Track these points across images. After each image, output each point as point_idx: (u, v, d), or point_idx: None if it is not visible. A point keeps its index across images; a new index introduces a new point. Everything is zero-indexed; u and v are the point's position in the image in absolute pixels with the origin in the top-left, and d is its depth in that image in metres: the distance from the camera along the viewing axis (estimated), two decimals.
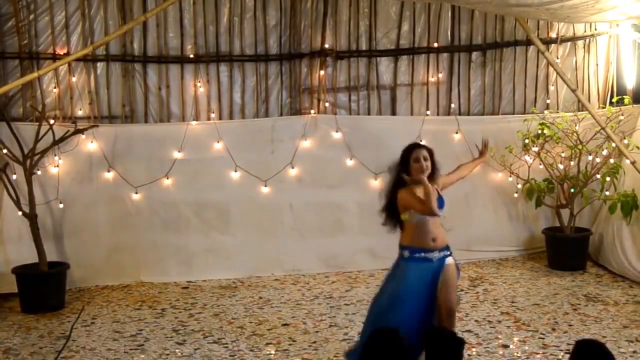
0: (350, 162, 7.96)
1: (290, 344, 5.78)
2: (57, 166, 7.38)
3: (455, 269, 4.80)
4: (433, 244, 4.71)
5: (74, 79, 7.62)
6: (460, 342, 3.60)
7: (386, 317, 4.63)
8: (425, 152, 4.78)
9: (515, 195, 8.17)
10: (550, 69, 8.19)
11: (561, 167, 7.81)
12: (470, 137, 8.13)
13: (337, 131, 7.97)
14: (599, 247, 7.88)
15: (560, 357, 5.37)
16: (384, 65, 8.26)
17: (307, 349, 5.67)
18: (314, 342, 5.83)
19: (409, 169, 4.77)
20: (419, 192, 4.67)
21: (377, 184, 7.99)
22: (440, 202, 4.77)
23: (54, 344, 5.92)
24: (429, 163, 4.75)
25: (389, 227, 4.90)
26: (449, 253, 4.78)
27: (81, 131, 7.37)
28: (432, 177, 4.79)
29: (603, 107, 8.14)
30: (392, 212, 4.84)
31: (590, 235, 7.91)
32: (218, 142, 7.75)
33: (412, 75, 8.27)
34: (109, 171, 7.57)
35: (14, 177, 7.08)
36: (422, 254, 4.69)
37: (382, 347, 3.44)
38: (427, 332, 3.65)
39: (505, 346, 5.63)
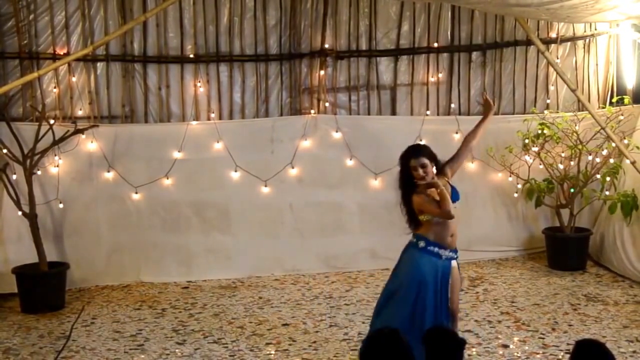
0: (350, 162, 7.96)
1: (290, 344, 5.78)
2: (57, 166, 7.37)
3: (458, 273, 4.83)
4: (450, 240, 4.75)
5: (74, 79, 7.62)
6: (461, 343, 3.59)
7: (394, 303, 4.70)
8: (423, 160, 4.70)
9: (515, 195, 8.16)
10: (550, 69, 8.18)
11: (561, 167, 7.81)
12: None
13: (337, 131, 7.97)
14: (600, 248, 7.87)
15: (560, 357, 5.37)
16: (384, 65, 8.26)
17: (307, 349, 5.67)
18: (314, 342, 5.83)
19: (410, 176, 4.73)
20: (433, 194, 4.65)
21: (377, 184, 8.00)
22: (455, 195, 4.80)
23: (54, 344, 5.93)
24: (428, 169, 4.69)
25: (411, 227, 4.88)
26: (455, 257, 4.82)
27: (81, 131, 7.36)
28: (438, 173, 4.78)
29: (603, 107, 8.13)
30: (410, 214, 4.83)
31: (590, 235, 7.91)
32: (218, 142, 7.75)
33: (412, 75, 8.26)
34: (109, 171, 7.56)
35: (14, 177, 7.08)
36: (436, 249, 4.71)
37: (382, 347, 3.43)
38: (428, 331, 3.64)
39: (505, 346, 5.63)
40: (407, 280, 4.74)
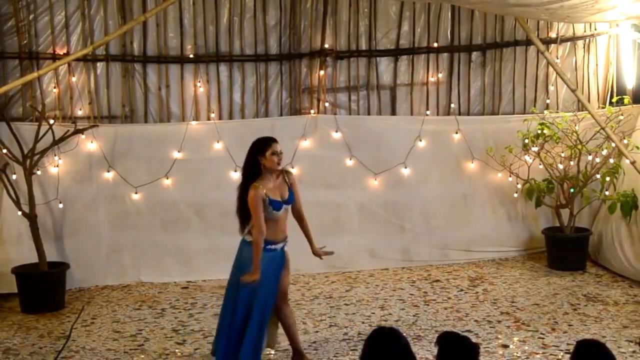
0: (350, 162, 7.96)
1: (290, 344, 5.77)
2: (57, 166, 7.37)
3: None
4: (281, 236, 5.19)
5: (73, 79, 7.62)
6: (475, 347, 3.57)
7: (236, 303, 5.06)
8: (280, 148, 5.17)
9: (515, 195, 8.17)
10: (550, 69, 8.19)
11: (561, 167, 7.81)
12: (470, 137, 8.15)
13: (336, 131, 7.97)
14: (598, 247, 7.88)
15: (560, 357, 5.37)
16: (384, 65, 8.26)
17: (307, 349, 5.66)
18: (314, 342, 5.83)
19: (263, 158, 5.10)
20: (270, 188, 5.08)
21: (377, 183, 8.01)
22: (291, 197, 5.26)
23: (54, 344, 5.93)
24: (281, 158, 5.17)
25: (241, 225, 5.19)
26: (286, 242, 5.27)
27: (81, 131, 7.37)
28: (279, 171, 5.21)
29: (603, 107, 8.13)
30: (243, 208, 5.14)
31: (590, 235, 7.91)
32: (218, 142, 7.75)
33: (412, 75, 8.26)
34: (108, 171, 7.56)
35: (14, 177, 7.08)
36: (273, 246, 5.12)
37: (382, 346, 3.44)
38: (442, 337, 3.62)
39: (505, 346, 5.63)
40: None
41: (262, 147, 5.15)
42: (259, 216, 4.98)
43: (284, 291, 5.31)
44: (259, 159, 5.12)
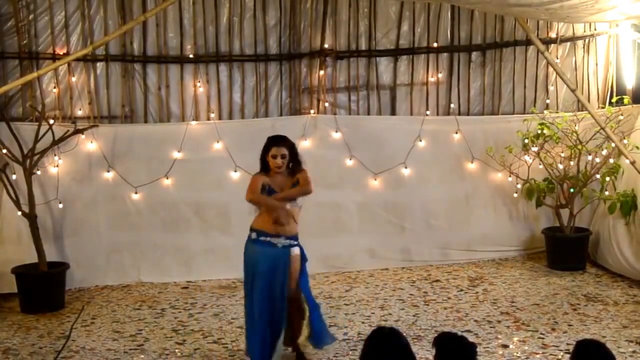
0: (349, 162, 7.97)
1: None
2: (57, 166, 7.38)
3: (299, 260, 5.26)
4: (276, 229, 5.18)
5: (73, 79, 7.62)
6: (472, 347, 3.57)
7: (249, 302, 5.20)
8: (284, 150, 5.19)
9: (515, 195, 8.17)
10: (550, 69, 8.19)
11: (561, 167, 7.81)
12: (470, 137, 8.15)
13: (336, 131, 7.97)
14: (596, 245, 7.88)
15: (560, 357, 5.37)
16: (384, 65, 8.26)
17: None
18: None
19: (267, 159, 5.23)
20: (273, 181, 5.20)
21: (377, 183, 8.01)
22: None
23: (54, 344, 5.93)
24: (285, 160, 5.20)
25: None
26: (295, 243, 5.24)
27: (81, 131, 7.37)
28: (293, 171, 5.28)
29: (602, 107, 8.14)
30: None
31: (589, 235, 7.91)
32: (218, 142, 7.75)
33: (412, 75, 8.26)
34: (108, 171, 7.57)
35: (14, 177, 7.08)
36: (265, 238, 5.20)
37: (382, 346, 3.44)
38: (439, 338, 3.62)
39: (505, 346, 5.63)
40: (244, 273, 5.29)
41: (266, 147, 5.29)
42: (253, 185, 5.16)
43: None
44: (265, 157, 5.25)
